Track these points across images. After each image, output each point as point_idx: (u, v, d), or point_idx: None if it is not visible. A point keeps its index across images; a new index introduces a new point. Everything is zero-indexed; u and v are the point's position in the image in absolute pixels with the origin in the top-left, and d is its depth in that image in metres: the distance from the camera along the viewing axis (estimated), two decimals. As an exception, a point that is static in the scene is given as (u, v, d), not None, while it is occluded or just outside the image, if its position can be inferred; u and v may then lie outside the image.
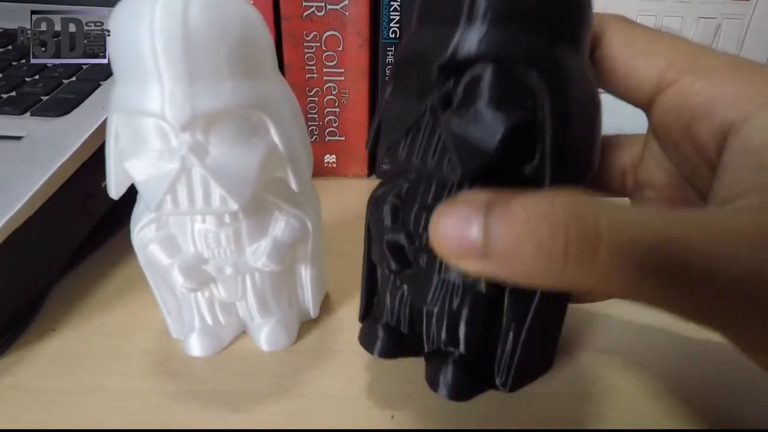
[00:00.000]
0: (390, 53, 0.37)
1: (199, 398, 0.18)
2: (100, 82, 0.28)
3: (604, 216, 0.10)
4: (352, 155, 0.40)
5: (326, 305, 0.23)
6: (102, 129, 0.24)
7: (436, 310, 0.15)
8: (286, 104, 0.18)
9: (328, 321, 0.23)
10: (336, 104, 0.38)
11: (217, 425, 0.17)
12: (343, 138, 0.39)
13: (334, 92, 0.37)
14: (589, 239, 0.10)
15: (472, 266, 0.10)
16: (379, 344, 0.16)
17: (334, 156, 0.40)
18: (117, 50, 0.15)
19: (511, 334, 0.15)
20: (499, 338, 0.15)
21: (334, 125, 0.38)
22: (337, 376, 0.20)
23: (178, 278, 0.18)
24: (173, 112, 0.14)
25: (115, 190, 0.17)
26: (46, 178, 0.21)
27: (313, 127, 0.39)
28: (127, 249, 0.20)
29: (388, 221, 0.15)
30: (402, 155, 0.14)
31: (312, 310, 0.22)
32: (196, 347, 0.20)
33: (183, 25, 0.14)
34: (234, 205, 0.16)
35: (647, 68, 0.14)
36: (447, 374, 0.15)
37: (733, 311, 0.10)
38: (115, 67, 0.15)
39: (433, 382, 0.15)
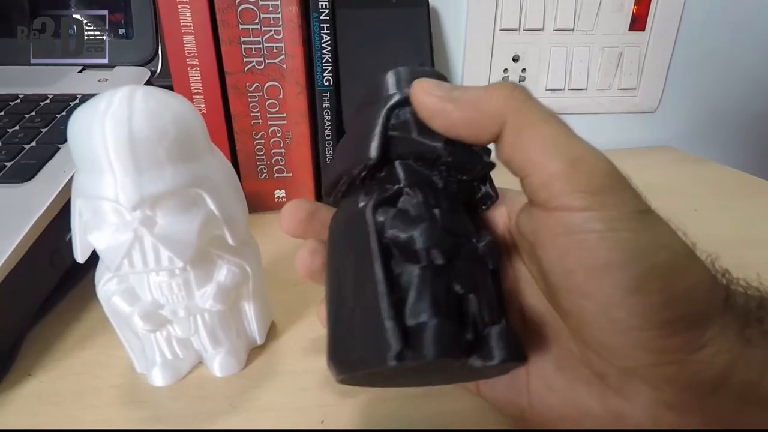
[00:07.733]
0: (325, 98, 0.41)
1: (161, 422, 0.22)
2: (59, 146, 0.31)
3: None
4: (300, 188, 0.44)
5: (273, 332, 0.27)
6: (64, 190, 0.28)
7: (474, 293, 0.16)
8: (221, 175, 0.21)
9: (274, 346, 0.27)
10: (281, 145, 0.42)
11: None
12: (291, 174, 0.43)
13: (278, 135, 0.41)
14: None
15: (449, 108, 0.15)
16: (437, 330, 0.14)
17: (283, 190, 0.44)
18: (76, 149, 0.18)
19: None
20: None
21: (282, 163, 0.42)
22: (279, 393, 0.23)
23: (138, 323, 0.22)
24: (125, 197, 0.18)
25: (81, 256, 0.20)
26: (17, 242, 0.24)
27: (263, 166, 0.42)
28: (91, 296, 0.23)
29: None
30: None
31: (258, 338, 0.26)
32: (158, 379, 0.24)
33: (128, 131, 0.17)
34: (180, 263, 0.20)
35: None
36: (505, 338, 0.15)
37: None
38: (75, 162, 0.19)
39: (496, 356, 0.15)
